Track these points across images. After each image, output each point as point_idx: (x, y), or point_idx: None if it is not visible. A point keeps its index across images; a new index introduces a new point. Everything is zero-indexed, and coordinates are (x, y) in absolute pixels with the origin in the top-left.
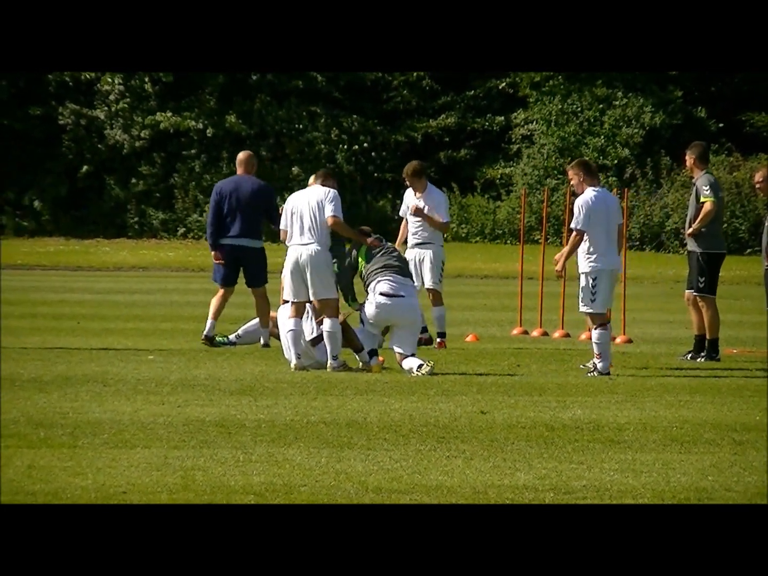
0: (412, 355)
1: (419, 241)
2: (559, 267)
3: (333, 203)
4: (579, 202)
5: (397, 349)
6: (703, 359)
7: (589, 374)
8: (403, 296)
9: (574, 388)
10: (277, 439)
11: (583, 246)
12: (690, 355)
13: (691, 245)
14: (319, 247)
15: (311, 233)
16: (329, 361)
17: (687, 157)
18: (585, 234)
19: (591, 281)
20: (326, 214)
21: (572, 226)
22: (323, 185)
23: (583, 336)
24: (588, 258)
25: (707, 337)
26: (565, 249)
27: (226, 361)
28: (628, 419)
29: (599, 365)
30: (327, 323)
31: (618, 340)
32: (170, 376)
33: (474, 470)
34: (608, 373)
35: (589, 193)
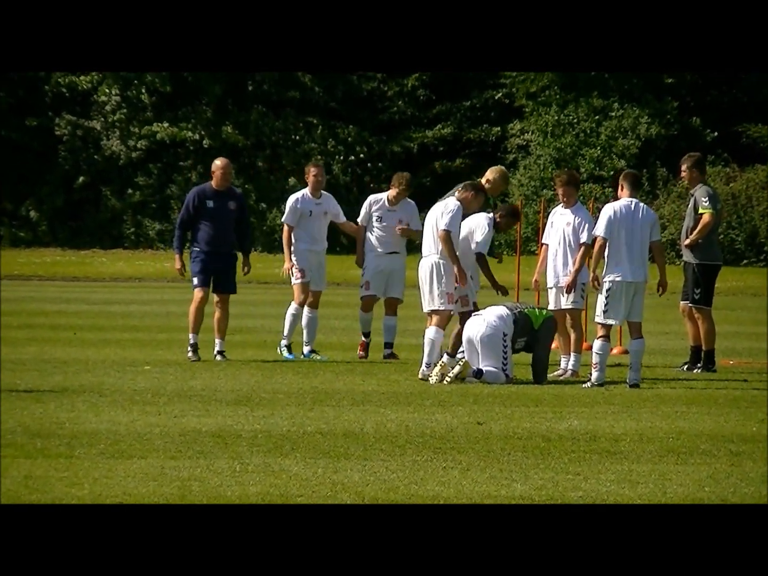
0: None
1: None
2: (590, 278)
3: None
4: (603, 210)
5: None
6: (699, 370)
7: (584, 385)
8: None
9: (570, 398)
10: (274, 450)
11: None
12: (686, 366)
13: (687, 256)
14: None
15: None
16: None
17: (683, 169)
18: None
19: (605, 291)
20: (340, 220)
21: (593, 232)
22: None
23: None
24: (606, 267)
25: (703, 348)
26: (593, 258)
27: (222, 372)
28: (625, 430)
29: (594, 376)
30: (307, 311)
31: (614, 351)
32: (167, 387)
33: (470, 481)
34: (602, 385)
35: (617, 202)
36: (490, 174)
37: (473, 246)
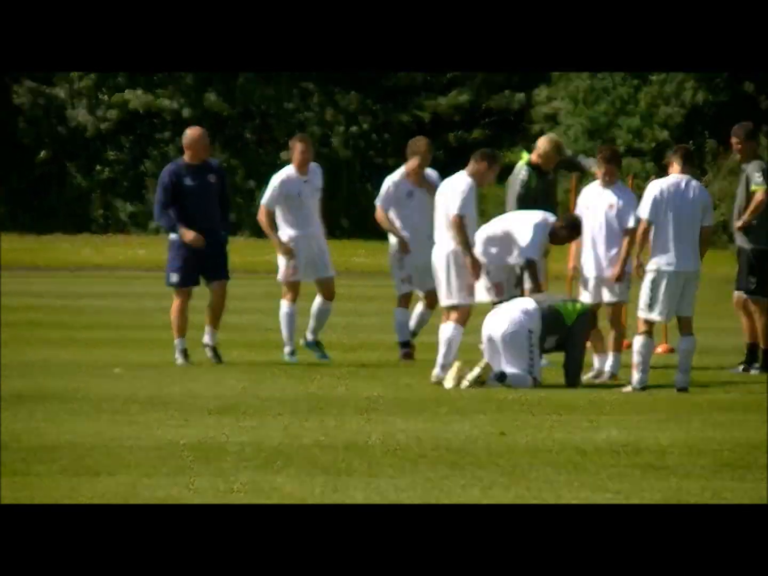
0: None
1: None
2: (634, 266)
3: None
4: (648, 188)
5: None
6: (757, 371)
7: (624, 389)
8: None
9: (608, 405)
10: (264, 465)
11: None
12: (742, 366)
13: (741, 240)
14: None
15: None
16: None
17: (733, 140)
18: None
19: (649, 283)
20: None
21: (636, 213)
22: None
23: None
24: (651, 255)
25: (761, 346)
26: (636, 243)
27: (204, 375)
28: (672, 441)
29: (636, 378)
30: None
31: (659, 349)
32: (140, 393)
33: (493, 501)
34: (645, 388)
35: (665, 179)
36: (542, 144)
37: (521, 247)
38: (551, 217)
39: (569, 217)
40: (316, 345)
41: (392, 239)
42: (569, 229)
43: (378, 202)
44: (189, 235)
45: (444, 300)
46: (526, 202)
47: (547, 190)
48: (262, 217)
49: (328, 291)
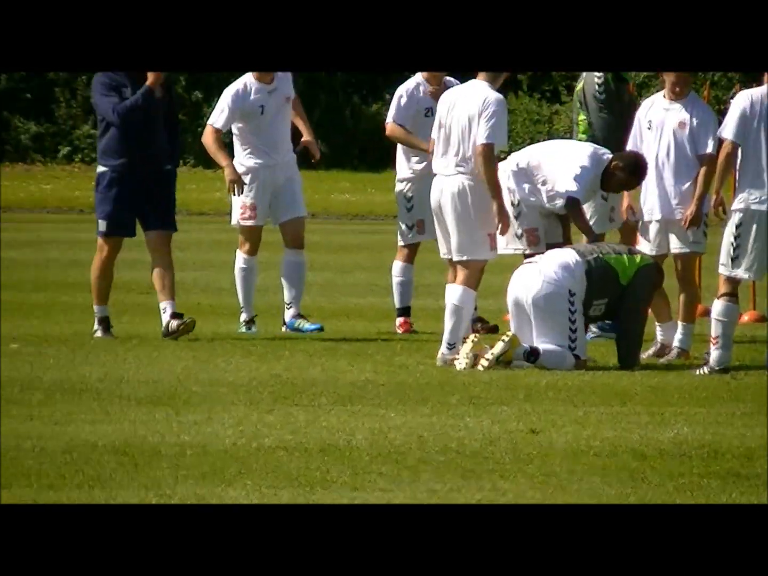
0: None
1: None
2: (713, 203)
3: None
4: (734, 100)
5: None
6: None
7: (698, 371)
8: None
9: (676, 392)
10: (211, 475)
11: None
12: None
13: None
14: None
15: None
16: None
17: None
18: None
19: (734, 228)
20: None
21: (719, 134)
22: None
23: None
24: (737, 189)
25: None
26: (716, 174)
27: (130, 352)
28: (762, 441)
29: (714, 356)
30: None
31: (745, 317)
32: (44, 376)
33: None
34: (726, 370)
35: (757, 89)
36: None
37: (561, 185)
38: (607, 154)
39: (631, 156)
40: (300, 319)
41: (401, 171)
42: (628, 173)
43: (389, 119)
44: (153, 75)
45: (452, 252)
46: (612, 109)
47: (623, 106)
48: (208, 138)
49: (294, 236)
